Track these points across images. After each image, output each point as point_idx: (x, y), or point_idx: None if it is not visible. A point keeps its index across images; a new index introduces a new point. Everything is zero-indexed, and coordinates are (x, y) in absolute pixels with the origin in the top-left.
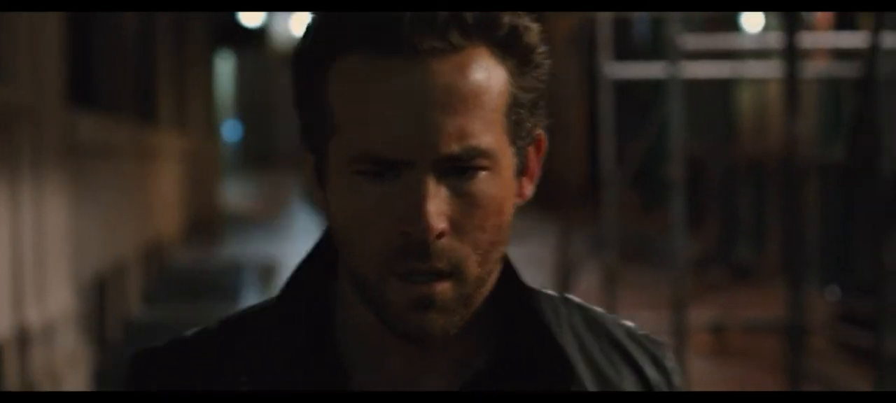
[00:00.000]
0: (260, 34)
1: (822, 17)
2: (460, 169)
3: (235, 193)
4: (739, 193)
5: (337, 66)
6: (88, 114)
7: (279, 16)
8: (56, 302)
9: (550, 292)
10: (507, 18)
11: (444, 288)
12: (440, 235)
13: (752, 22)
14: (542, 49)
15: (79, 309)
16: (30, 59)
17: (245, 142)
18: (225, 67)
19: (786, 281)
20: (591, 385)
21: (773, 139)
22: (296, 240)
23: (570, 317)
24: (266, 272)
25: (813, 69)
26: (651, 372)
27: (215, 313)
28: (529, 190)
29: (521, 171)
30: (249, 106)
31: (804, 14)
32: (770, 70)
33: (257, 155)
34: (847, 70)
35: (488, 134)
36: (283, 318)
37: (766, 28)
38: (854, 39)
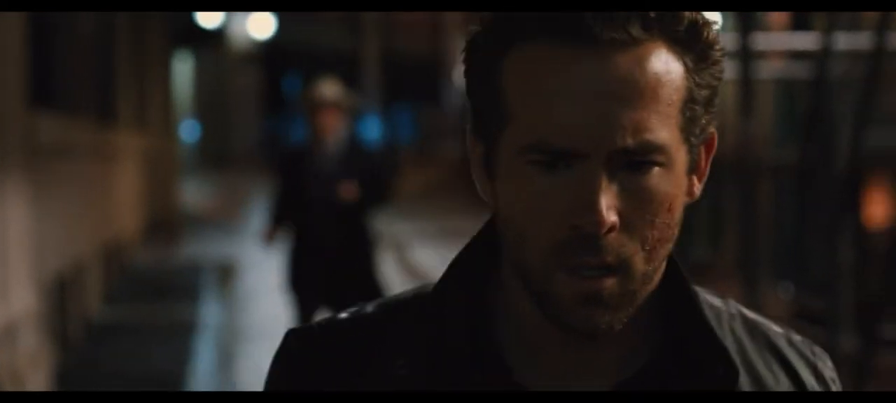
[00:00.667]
0: (218, 35)
1: (776, 18)
2: (634, 163)
3: (194, 193)
4: None
5: (514, 55)
6: (49, 115)
7: (237, 17)
8: (18, 302)
9: (713, 295)
10: (687, 14)
11: (611, 283)
12: (610, 229)
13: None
14: (719, 46)
15: (40, 308)
16: None
17: (203, 142)
18: (183, 68)
19: (741, 279)
20: (748, 390)
21: (728, 139)
22: (254, 241)
23: (730, 321)
24: (225, 272)
25: (767, 70)
26: (809, 380)
27: (176, 313)
28: (698, 189)
29: (692, 169)
30: (207, 106)
31: (758, 16)
32: (724, 71)
33: (215, 155)
34: (801, 70)
35: (664, 129)
36: (441, 305)
37: (721, 30)
38: (807, 41)
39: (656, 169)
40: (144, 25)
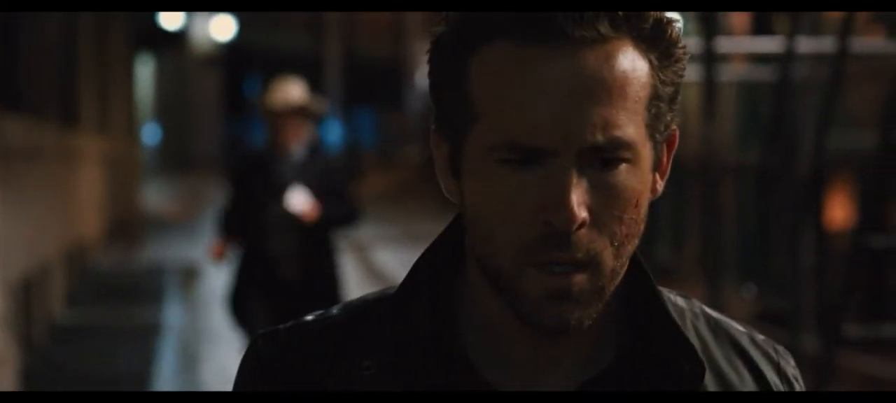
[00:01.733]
0: (179, 37)
1: (738, 21)
2: (602, 160)
3: (155, 196)
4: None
5: (481, 54)
6: (13, 116)
7: (199, 19)
8: None
9: (676, 294)
10: (653, 13)
11: (580, 279)
12: (581, 226)
13: None
14: (682, 44)
15: (5, 310)
16: None
17: (164, 145)
18: (144, 71)
19: (704, 281)
20: (712, 389)
21: (691, 141)
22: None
23: (694, 320)
24: (188, 275)
25: (730, 73)
26: (773, 379)
27: (139, 315)
28: (661, 186)
29: (656, 166)
30: (168, 109)
31: (721, 19)
32: (688, 73)
33: (175, 158)
34: (764, 73)
35: (632, 125)
36: (406, 306)
37: (685, 33)
38: (771, 44)
39: (624, 165)
40: (107, 27)
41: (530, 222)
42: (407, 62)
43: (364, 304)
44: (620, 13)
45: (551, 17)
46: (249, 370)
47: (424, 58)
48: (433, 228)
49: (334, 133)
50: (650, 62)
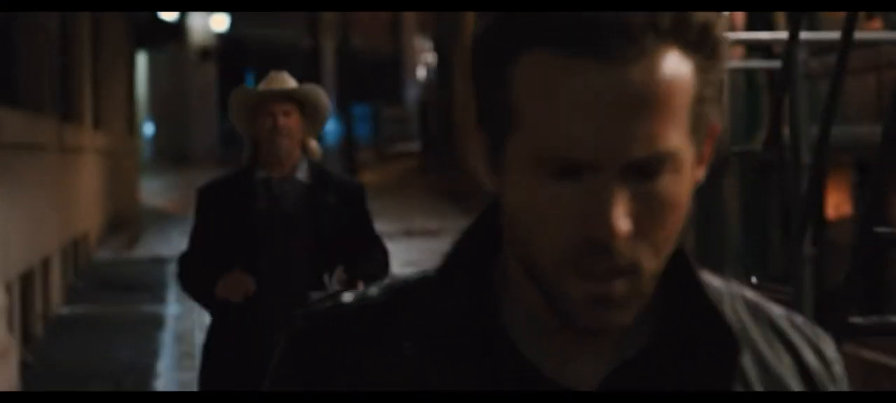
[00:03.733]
0: (176, 32)
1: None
2: (645, 171)
3: (153, 191)
4: None
5: (524, 62)
6: (12, 112)
7: (197, 13)
8: None
9: (714, 276)
10: (697, 16)
11: (622, 284)
12: (623, 237)
13: None
14: (726, 40)
15: (5, 303)
16: None
17: (159, 140)
18: (139, 65)
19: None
20: (751, 370)
21: None
22: None
23: (732, 302)
24: None
25: (731, 63)
26: (811, 360)
27: (138, 309)
28: (701, 172)
29: (697, 160)
30: (164, 104)
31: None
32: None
33: (172, 153)
34: (764, 63)
35: (675, 135)
36: (446, 287)
37: None
38: (772, 35)
39: (667, 174)
40: (105, 21)
41: (572, 233)
42: (404, 56)
43: (404, 285)
44: (666, 23)
45: (597, 31)
46: (289, 349)
47: (423, 52)
48: (435, 225)
49: (330, 129)
50: (695, 64)
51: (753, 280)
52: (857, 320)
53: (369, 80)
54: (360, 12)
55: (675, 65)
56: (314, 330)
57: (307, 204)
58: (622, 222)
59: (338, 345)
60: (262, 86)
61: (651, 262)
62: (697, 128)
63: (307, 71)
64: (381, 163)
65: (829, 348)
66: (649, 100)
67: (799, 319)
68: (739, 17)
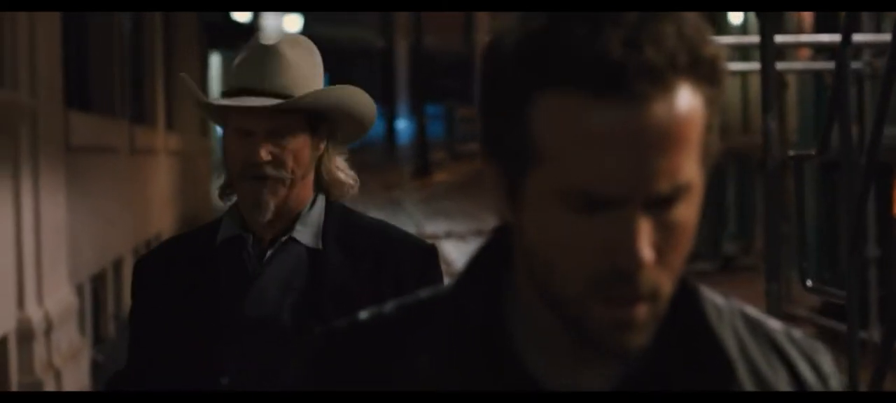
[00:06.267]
0: (250, 32)
1: (804, 13)
2: (665, 202)
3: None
4: (726, 187)
5: (544, 98)
6: (84, 115)
7: (270, 13)
8: (56, 298)
9: (714, 293)
10: (707, 50)
11: (643, 309)
12: (647, 265)
13: (737, 18)
14: (727, 69)
15: (77, 305)
16: (29, 62)
17: None
18: (212, 67)
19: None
20: (748, 386)
21: (757, 133)
22: None
23: (732, 319)
24: None
25: (791, 64)
26: (808, 375)
27: None
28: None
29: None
30: None
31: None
32: (751, 65)
33: None
34: (824, 65)
35: (692, 165)
36: (459, 305)
37: (745, 26)
38: (830, 36)
39: (683, 202)
40: (177, 22)
41: (598, 261)
42: (477, 55)
43: (418, 303)
44: (684, 62)
45: (623, 71)
46: (308, 366)
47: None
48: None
49: (406, 130)
50: (704, 97)
51: (808, 283)
52: None
53: (442, 80)
54: (433, 12)
55: (690, 98)
56: (332, 348)
57: (312, 284)
58: (647, 251)
59: (355, 362)
60: (226, 91)
61: (668, 286)
62: (706, 155)
63: (381, 71)
64: (454, 163)
65: (826, 362)
66: (670, 134)
67: (797, 334)
68: (808, 18)
